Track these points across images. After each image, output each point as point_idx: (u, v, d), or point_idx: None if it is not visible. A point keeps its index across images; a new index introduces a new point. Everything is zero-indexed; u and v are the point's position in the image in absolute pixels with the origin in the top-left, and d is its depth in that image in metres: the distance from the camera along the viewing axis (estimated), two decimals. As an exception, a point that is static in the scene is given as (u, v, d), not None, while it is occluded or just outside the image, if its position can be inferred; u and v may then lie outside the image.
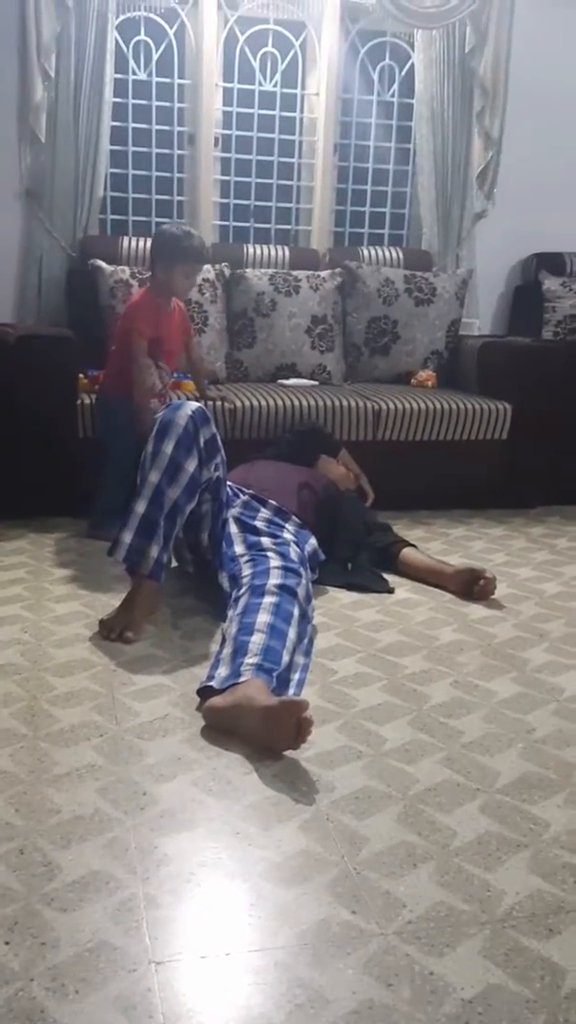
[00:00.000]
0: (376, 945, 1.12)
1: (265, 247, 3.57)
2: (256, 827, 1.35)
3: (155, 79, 3.59)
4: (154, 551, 1.97)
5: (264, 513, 2.30)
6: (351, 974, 1.07)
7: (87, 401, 2.83)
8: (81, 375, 2.91)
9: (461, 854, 1.30)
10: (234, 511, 2.27)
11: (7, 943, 1.09)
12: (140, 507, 1.99)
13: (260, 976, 1.07)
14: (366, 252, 3.67)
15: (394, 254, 3.69)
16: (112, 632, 1.98)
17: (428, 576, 2.46)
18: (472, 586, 2.36)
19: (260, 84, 3.70)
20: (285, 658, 1.74)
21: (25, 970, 1.06)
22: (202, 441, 2.04)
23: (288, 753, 1.53)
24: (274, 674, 1.68)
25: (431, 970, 1.08)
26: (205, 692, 1.69)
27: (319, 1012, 1.01)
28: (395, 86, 3.84)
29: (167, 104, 3.62)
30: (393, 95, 3.85)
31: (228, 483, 2.27)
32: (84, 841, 1.29)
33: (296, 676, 1.80)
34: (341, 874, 1.25)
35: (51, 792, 1.41)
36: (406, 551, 2.54)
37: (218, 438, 2.11)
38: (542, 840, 1.34)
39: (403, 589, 2.41)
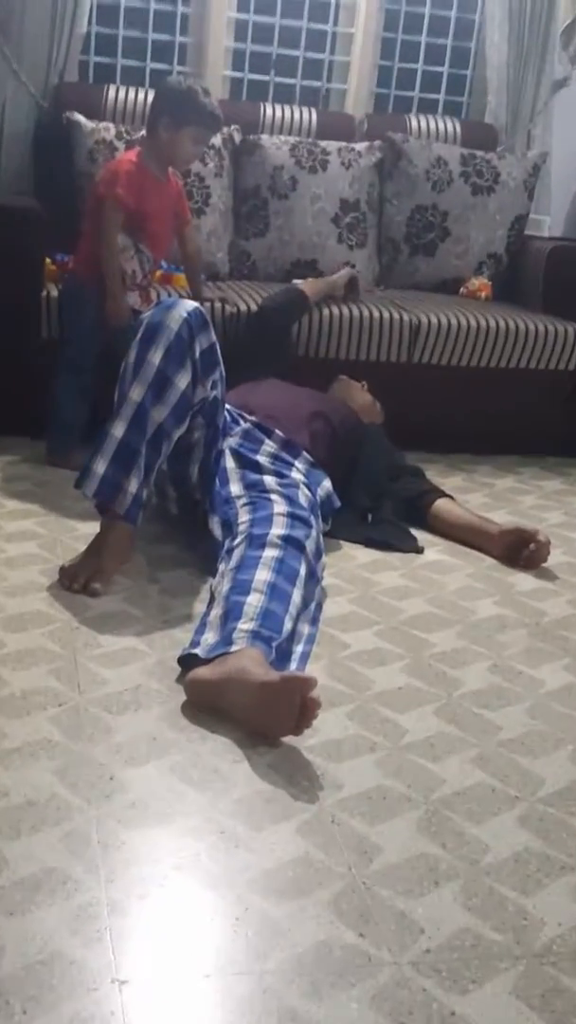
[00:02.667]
0: (387, 976, 1.14)
1: (287, 108, 3.49)
2: (245, 826, 1.37)
3: None
4: (132, 485, 1.97)
5: (269, 446, 2.29)
6: (355, 1009, 1.10)
7: (53, 293, 2.79)
8: (48, 260, 2.86)
9: (493, 873, 1.33)
10: (232, 441, 2.26)
11: None
12: (117, 430, 1.97)
13: (245, 1003, 1.09)
14: (415, 122, 3.59)
15: (450, 126, 3.61)
16: (75, 582, 1.99)
17: (466, 535, 2.47)
18: (520, 550, 2.37)
19: None
20: (287, 625, 1.75)
21: (-38, 981, 1.08)
22: (198, 351, 2.01)
23: (287, 740, 1.55)
24: (273, 644, 1.69)
25: (452, 1010, 1.11)
26: (188, 661, 1.70)
27: (315, 1050, 1.04)
28: None
29: None
30: None
31: (227, 406, 2.26)
32: (37, 832, 1.31)
33: (300, 648, 1.82)
34: (347, 888, 1.27)
35: (-3, 771, 1.43)
36: (440, 503, 2.54)
37: (217, 349, 2.08)
38: (592, 863, 1.37)
39: (434, 549, 2.42)
